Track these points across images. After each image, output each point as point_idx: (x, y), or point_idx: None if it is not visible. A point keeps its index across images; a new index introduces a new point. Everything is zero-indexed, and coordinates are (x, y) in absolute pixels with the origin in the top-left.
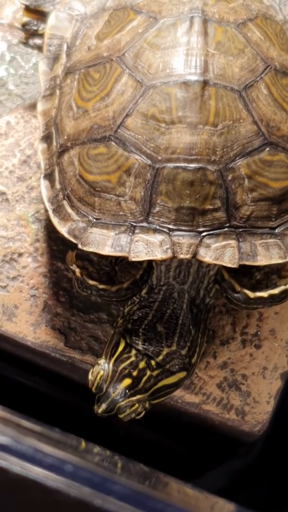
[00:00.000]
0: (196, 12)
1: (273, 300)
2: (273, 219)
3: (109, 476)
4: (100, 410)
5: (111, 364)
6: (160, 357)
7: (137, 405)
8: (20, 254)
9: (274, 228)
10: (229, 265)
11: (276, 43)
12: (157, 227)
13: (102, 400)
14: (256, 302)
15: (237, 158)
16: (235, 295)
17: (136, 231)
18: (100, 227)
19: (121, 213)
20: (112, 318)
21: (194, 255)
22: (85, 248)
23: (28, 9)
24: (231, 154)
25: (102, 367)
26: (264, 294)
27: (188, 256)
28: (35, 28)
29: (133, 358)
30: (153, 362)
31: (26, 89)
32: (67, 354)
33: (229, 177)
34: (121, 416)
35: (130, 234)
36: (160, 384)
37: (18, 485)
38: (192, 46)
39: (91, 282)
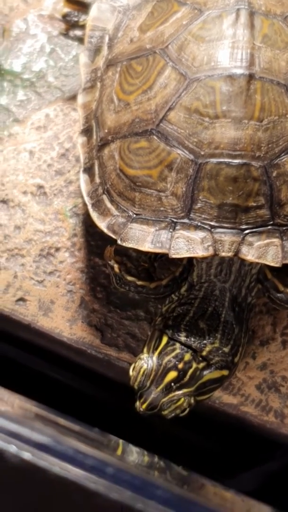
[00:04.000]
0: (242, 4)
1: None
2: None
3: (150, 480)
4: (143, 407)
5: (155, 358)
6: (204, 353)
7: (182, 399)
8: (57, 249)
9: None
10: (272, 264)
11: None
12: (199, 224)
13: (145, 396)
14: None
15: (283, 154)
16: (278, 295)
17: (177, 227)
18: (140, 223)
19: (161, 208)
20: (150, 316)
21: (236, 253)
22: (124, 244)
23: (69, 0)
24: (276, 150)
25: (146, 361)
26: None
27: (230, 254)
28: (75, 19)
29: (178, 351)
30: (198, 355)
31: (65, 81)
32: (103, 351)
33: (274, 174)
34: (165, 412)
35: (171, 230)
36: (205, 378)
37: (57, 486)
38: (238, 38)
39: (129, 278)
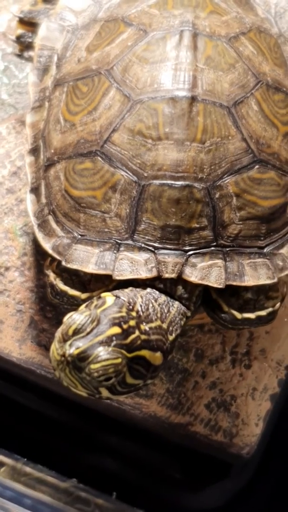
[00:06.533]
0: (186, 26)
1: (260, 321)
2: (261, 238)
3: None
4: (75, 352)
5: (98, 311)
6: (151, 324)
7: (120, 359)
8: (7, 268)
9: (263, 248)
10: (215, 286)
11: (269, 57)
12: (142, 245)
13: (80, 342)
14: (243, 322)
15: (225, 175)
16: (222, 315)
17: (121, 248)
18: (84, 244)
19: (106, 230)
20: None
21: (180, 274)
22: (69, 266)
23: (22, 22)
24: (219, 172)
25: (88, 312)
26: (251, 315)
27: (173, 275)
28: (29, 40)
29: (124, 314)
30: (142, 327)
31: (19, 98)
32: (52, 371)
33: (217, 195)
34: (93, 367)
35: (115, 251)
36: (142, 352)
37: None
38: (181, 60)
39: (62, 287)
